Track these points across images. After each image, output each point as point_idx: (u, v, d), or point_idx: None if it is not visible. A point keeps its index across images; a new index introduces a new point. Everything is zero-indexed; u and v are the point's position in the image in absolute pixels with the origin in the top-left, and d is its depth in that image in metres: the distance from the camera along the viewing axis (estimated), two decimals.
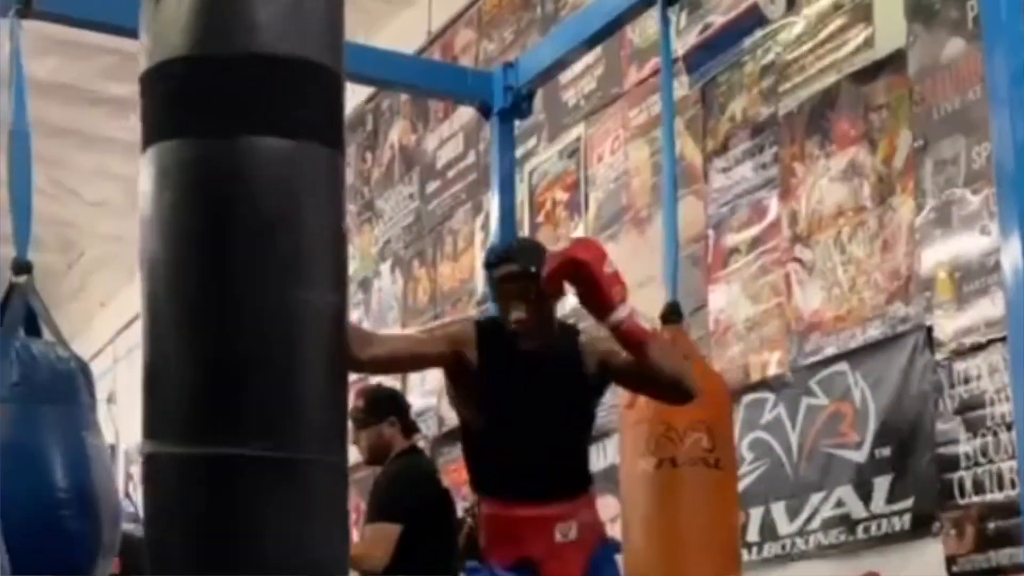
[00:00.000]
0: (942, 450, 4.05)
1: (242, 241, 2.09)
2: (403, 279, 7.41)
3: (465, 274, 6.81)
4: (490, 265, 3.07)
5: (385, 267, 7.60)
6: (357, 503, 5.72)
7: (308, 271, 2.12)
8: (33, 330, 3.84)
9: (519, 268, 3.00)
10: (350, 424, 4.67)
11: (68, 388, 3.63)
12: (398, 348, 3.01)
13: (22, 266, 3.78)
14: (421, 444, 4.77)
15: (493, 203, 5.21)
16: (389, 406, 4.53)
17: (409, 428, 4.50)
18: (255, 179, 2.10)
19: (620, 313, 2.86)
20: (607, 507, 5.46)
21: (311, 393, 2.11)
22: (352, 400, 4.77)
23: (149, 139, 2.14)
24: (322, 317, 2.13)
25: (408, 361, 3.12)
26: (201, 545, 2.03)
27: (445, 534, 4.33)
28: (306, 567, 2.04)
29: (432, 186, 7.21)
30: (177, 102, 2.10)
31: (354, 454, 3.88)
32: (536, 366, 2.98)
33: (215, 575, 1.98)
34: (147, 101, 2.17)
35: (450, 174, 7.04)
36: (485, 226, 6.30)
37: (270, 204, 2.09)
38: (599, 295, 2.86)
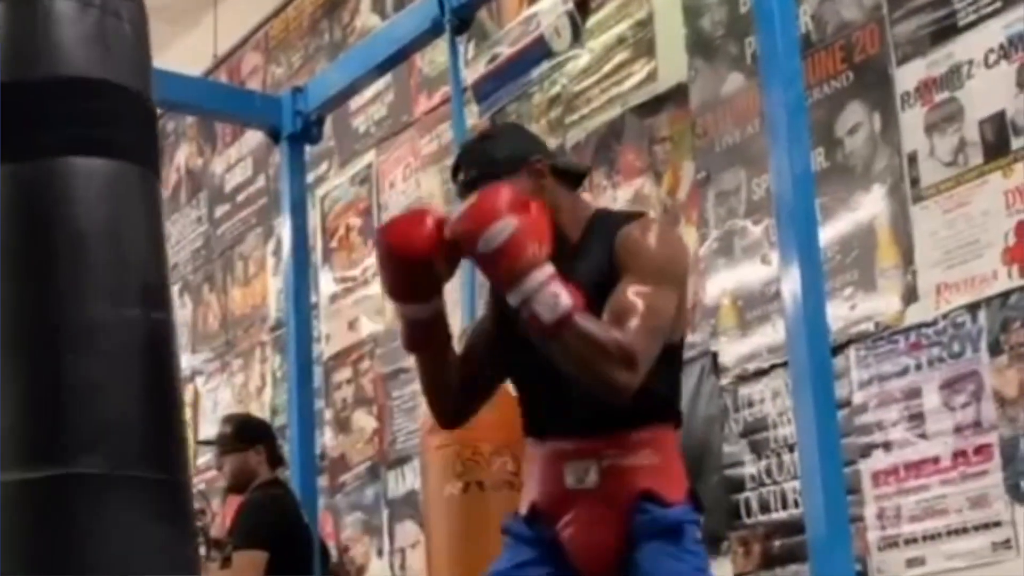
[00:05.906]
0: (729, 472, 4.18)
1: (63, 259, 2.06)
2: (192, 304, 7.27)
3: (257, 299, 6.73)
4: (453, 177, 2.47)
5: (173, 291, 7.45)
6: None
7: (132, 290, 2.10)
8: None
9: (462, 177, 2.41)
10: (216, 449, 4.60)
11: None
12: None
13: None
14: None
15: (285, 228, 5.16)
16: (257, 434, 4.49)
17: (275, 459, 4.45)
18: (76, 199, 2.09)
19: (513, 295, 2.16)
20: (407, 533, 5.50)
21: (140, 412, 2.07)
22: (220, 425, 4.71)
23: None
24: (149, 335, 2.11)
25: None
26: (34, 570, 2.00)
27: (305, 566, 4.30)
28: None
29: (221, 210, 7.10)
30: None
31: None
32: None
33: None
34: None
35: (239, 198, 6.94)
36: (277, 251, 6.23)
37: (91, 223, 2.08)
38: (489, 276, 2.23)
